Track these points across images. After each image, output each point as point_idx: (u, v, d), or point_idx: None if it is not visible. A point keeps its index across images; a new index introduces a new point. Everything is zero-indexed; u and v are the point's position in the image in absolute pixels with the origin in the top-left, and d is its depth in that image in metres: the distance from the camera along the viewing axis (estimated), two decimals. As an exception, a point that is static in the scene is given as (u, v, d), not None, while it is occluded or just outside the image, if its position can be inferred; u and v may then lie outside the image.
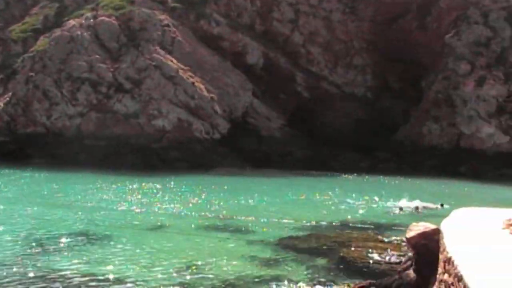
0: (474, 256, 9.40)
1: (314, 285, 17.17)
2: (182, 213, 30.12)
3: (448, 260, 9.71)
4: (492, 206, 16.32)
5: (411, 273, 13.02)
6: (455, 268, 9.07)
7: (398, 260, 19.38)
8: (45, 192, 36.61)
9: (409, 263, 13.76)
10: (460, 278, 8.61)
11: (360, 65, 68.07)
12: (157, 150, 54.55)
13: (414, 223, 13.33)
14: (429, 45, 62.90)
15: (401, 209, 33.29)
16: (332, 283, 17.19)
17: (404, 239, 20.28)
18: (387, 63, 66.00)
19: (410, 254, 15.53)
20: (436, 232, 12.07)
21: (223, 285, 16.99)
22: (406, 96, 64.10)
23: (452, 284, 9.10)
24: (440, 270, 10.55)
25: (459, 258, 9.27)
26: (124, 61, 59.68)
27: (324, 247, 22.37)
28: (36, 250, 20.87)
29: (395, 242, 22.94)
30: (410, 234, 12.82)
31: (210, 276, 18.04)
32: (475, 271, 8.54)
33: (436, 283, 10.66)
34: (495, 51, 60.35)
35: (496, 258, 9.40)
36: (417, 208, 33.57)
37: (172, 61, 59.35)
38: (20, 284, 16.80)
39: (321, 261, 20.18)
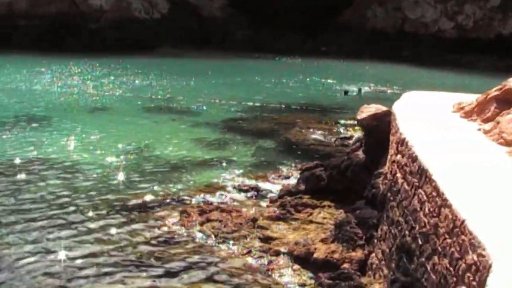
0: (427, 138, 9.38)
1: (260, 166, 17.21)
2: (125, 96, 29.48)
3: (402, 142, 9.66)
4: (439, 91, 16.35)
5: (360, 154, 13.03)
6: (409, 149, 9.03)
7: (344, 143, 19.57)
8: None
9: (358, 144, 13.75)
10: (414, 159, 8.58)
11: None
12: (95, 30, 52.65)
13: (365, 105, 13.22)
14: None
15: (346, 92, 33.40)
16: (278, 165, 17.24)
17: (353, 121, 20.53)
18: None
19: (358, 135, 15.59)
20: (388, 114, 11.99)
21: (168, 167, 16.85)
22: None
23: (406, 164, 9.07)
24: (392, 151, 10.54)
25: (412, 139, 9.22)
26: None
27: (269, 129, 22.37)
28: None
29: (340, 124, 23.10)
30: (362, 115, 12.73)
31: (155, 157, 17.84)
32: (429, 151, 8.52)
33: (388, 164, 10.68)
34: None
35: (448, 140, 9.41)
36: (360, 91, 33.77)
37: None
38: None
39: (266, 143, 20.19)
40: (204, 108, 26.63)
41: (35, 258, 10.64)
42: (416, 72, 44.30)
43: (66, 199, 13.74)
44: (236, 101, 28.25)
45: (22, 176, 15.41)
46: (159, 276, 10.13)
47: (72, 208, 13.15)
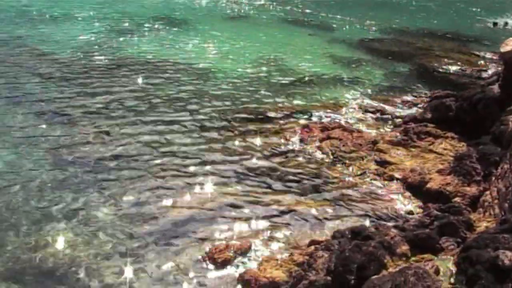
0: None
1: (389, 89, 16.91)
2: (265, 6, 29.57)
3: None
4: None
5: (495, 88, 12.46)
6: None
7: (480, 75, 18.71)
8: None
9: (495, 77, 13.13)
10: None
11: None
12: None
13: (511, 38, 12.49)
14: None
15: (494, 24, 31.40)
16: (408, 90, 16.86)
17: (493, 54, 19.56)
18: None
19: (497, 69, 14.88)
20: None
21: (297, 80, 17.00)
22: None
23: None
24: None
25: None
26: None
27: (405, 53, 21.73)
28: (118, 33, 21.23)
29: (479, 56, 22.02)
30: (506, 48, 12.04)
31: (286, 69, 18.02)
32: None
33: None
34: None
35: None
36: (506, 23, 31.68)
37: None
38: (102, 66, 17.25)
39: (399, 67, 19.70)
40: (342, 26, 26.20)
41: (167, 159, 11.33)
42: None
43: (194, 106, 14.25)
44: (375, 21, 27.52)
45: (155, 76, 16.17)
46: (273, 187, 10.43)
47: (199, 117, 13.63)
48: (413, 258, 7.54)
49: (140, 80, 15.61)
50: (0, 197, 9.35)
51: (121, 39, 20.02)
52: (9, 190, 9.59)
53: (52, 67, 16.24)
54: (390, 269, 7.22)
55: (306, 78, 17.27)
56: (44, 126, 12.26)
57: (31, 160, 10.66)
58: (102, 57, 17.59)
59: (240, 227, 9.03)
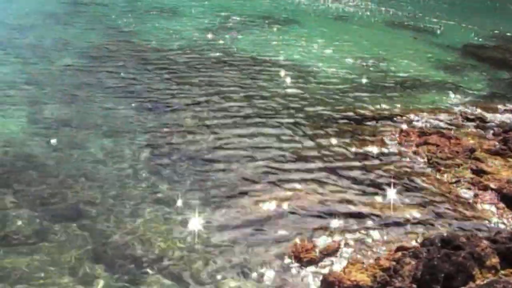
0: None
1: (491, 97, 16.46)
2: (369, 7, 29.37)
3: None
4: None
5: None
6: None
7: None
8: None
9: None
10: None
11: None
12: None
13: None
14: None
15: None
16: (509, 99, 16.35)
17: None
18: None
19: None
20: None
21: (397, 83, 16.86)
22: None
23: None
24: None
25: None
26: None
27: (511, 61, 21.05)
28: (224, 30, 21.73)
29: None
30: None
31: (387, 72, 17.91)
32: None
33: None
34: None
35: None
36: None
37: None
38: (206, 62, 17.71)
39: (503, 74, 19.12)
40: (447, 30, 25.62)
41: (261, 154, 11.58)
42: None
43: (293, 104, 14.38)
44: (481, 27, 26.70)
45: (257, 73, 16.46)
46: (365, 190, 10.44)
47: (297, 115, 13.78)
48: (503, 272, 7.38)
49: (242, 77, 15.95)
50: (97, 182, 9.82)
51: (226, 35, 20.48)
52: (106, 176, 10.05)
53: (157, 61, 16.82)
54: (478, 281, 7.11)
55: (407, 82, 17.08)
56: (146, 116, 12.75)
57: (130, 149, 11.12)
58: (207, 53, 18.07)
59: (329, 228, 9.08)
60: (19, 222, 8.55)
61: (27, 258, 7.79)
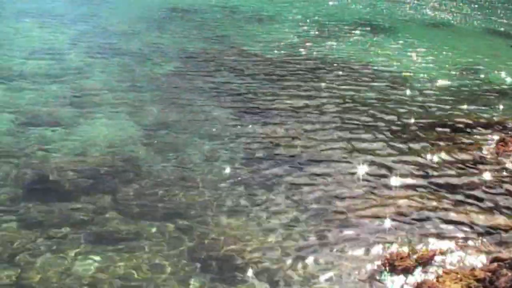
0: None
1: None
2: (466, 14, 28.77)
3: None
4: None
5: None
6: None
7: None
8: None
9: None
10: None
11: None
12: None
13: None
14: None
15: None
16: None
17: None
18: None
19: None
20: None
21: (495, 92, 16.54)
22: None
23: None
24: None
25: None
26: None
27: None
28: (321, 37, 21.86)
29: None
30: None
31: (484, 80, 17.57)
32: None
33: None
34: None
35: None
36: None
37: None
38: (303, 68, 17.91)
39: None
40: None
41: (352, 164, 11.65)
42: None
43: (387, 112, 14.37)
44: None
45: (353, 80, 16.51)
46: (461, 200, 10.30)
47: (391, 122, 13.79)
48: None
49: (339, 85, 16.02)
50: (195, 185, 10.17)
51: (323, 42, 20.60)
52: (204, 179, 10.38)
53: (256, 67, 17.15)
54: None
55: (506, 90, 16.69)
56: (243, 121, 13.07)
57: (227, 153, 11.44)
58: (305, 60, 18.26)
59: (425, 236, 9.04)
60: (118, 221, 8.98)
61: (125, 257, 8.16)
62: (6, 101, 13.52)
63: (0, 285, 7.47)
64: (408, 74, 17.62)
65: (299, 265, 8.20)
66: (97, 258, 8.10)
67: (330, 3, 28.67)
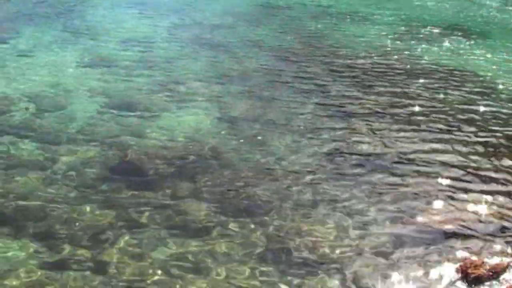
0: None
1: None
2: None
3: None
4: None
5: None
6: None
7: None
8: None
9: None
10: None
11: None
12: None
13: None
14: None
15: None
16: None
17: None
18: None
19: None
20: None
21: None
22: None
23: None
24: None
25: None
26: None
27: None
28: (411, 39, 21.56)
29: None
30: None
31: None
32: None
33: None
34: None
35: None
36: None
37: None
38: (391, 70, 17.69)
39: None
40: None
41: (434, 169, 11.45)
42: None
43: (472, 118, 13.97)
44: None
45: (439, 85, 16.16)
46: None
47: (474, 131, 13.38)
48: None
49: (426, 88, 15.69)
50: (275, 180, 10.28)
51: (413, 45, 20.22)
52: (284, 175, 10.49)
53: (344, 66, 17.08)
54: None
55: None
56: (328, 119, 13.09)
57: (310, 150, 11.51)
58: (394, 62, 18.00)
59: (500, 246, 8.84)
60: (195, 209, 9.24)
61: (199, 244, 8.40)
62: (102, 86, 14.20)
63: (80, 264, 7.81)
64: (498, 79, 16.99)
65: (370, 269, 8.18)
66: (172, 243, 8.34)
67: (428, 3, 28.06)
